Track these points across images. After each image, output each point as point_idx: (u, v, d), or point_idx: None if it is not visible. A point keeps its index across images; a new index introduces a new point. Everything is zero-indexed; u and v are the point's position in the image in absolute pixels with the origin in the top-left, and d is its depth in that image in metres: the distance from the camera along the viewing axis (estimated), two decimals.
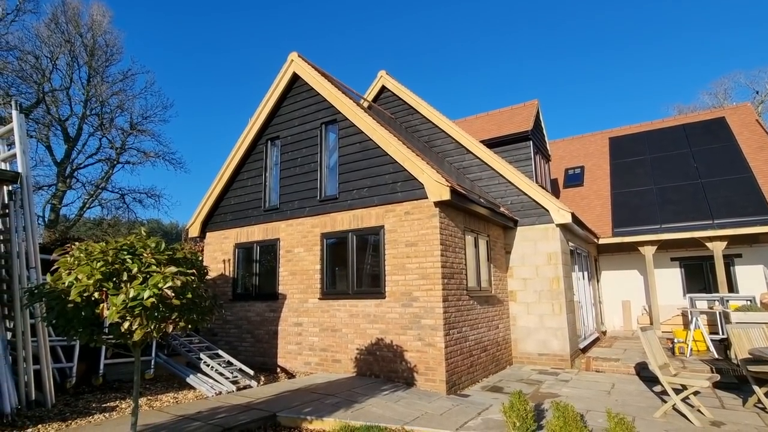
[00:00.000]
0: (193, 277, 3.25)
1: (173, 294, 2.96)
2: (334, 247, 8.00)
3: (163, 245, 3.26)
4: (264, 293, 8.76)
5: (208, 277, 9.34)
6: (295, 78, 8.90)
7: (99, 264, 3.03)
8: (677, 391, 5.46)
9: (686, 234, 11.80)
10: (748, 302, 10.17)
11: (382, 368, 7.00)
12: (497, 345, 8.53)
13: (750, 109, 15.31)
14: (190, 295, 3.12)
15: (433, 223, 6.85)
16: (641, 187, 13.85)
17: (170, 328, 3.03)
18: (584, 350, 9.97)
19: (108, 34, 24.54)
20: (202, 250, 10.04)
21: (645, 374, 7.82)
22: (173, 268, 3.03)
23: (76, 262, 3.12)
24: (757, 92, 32.37)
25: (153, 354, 7.07)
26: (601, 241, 12.84)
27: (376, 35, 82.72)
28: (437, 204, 6.85)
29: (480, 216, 8.22)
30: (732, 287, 12.97)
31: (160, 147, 25.74)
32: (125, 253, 3.09)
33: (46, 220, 21.72)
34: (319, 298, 7.90)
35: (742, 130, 14.18)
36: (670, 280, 13.84)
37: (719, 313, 8.81)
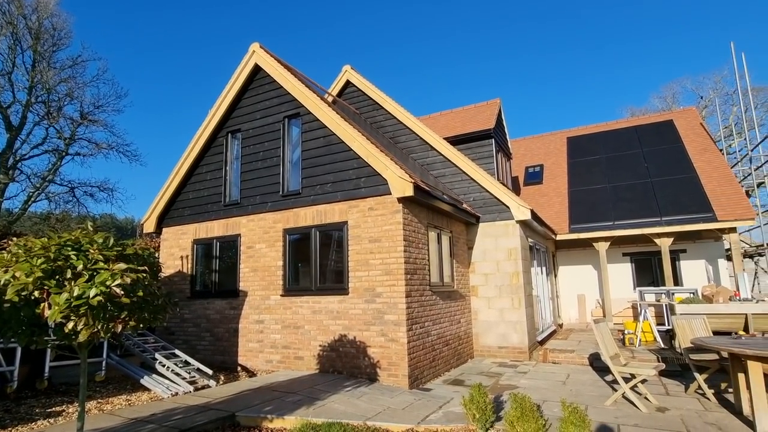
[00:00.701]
0: (144, 274, 3.10)
1: (123, 292, 2.81)
2: (297, 243, 7.88)
3: (112, 241, 3.09)
4: (224, 290, 8.52)
5: (164, 274, 9.01)
6: (257, 69, 8.67)
7: (39, 261, 2.83)
8: (627, 380, 5.74)
9: (637, 230, 12.41)
10: (691, 294, 10.84)
11: (345, 364, 6.97)
12: (459, 339, 8.68)
13: (695, 113, 16.26)
14: (141, 293, 2.98)
15: (396, 219, 6.86)
16: (597, 185, 14.44)
17: (119, 328, 2.88)
18: (542, 342, 10.31)
19: (55, 17, 23.06)
20: (158, 247, 9.65)
21: (598, 364, 8.18)
22: (122, 265, 2.87)
23: (14, 258, 2.91)
24: (701, 97, 34.43)
25: (104, 355, 6.73)
26: (559, 237, 13.30)
27: (341, 31, 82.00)
28: (401, 200, 6.87)
29: (443, 212, 8.32)
30: (677, 281, 13.77)
31: (113, 138, 24.51)
32: (69, 249, 2.91)
33: None
34: (282, 295, 7.76)
35: (688, 132, 15.04)
36: (621, 274, 14.53)
37: (665, 305, 9.33)
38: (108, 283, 2.78)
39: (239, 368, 7.99)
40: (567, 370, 8.01)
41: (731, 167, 16.09)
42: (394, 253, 6.81)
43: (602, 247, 13.04)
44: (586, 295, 14.96)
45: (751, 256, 15.62)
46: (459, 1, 73.04)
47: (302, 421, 4.76)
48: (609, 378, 7.10)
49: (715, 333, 7.81)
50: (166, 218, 9.54)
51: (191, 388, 6.02)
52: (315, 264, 7.55)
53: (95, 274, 2.83)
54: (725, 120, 35.05)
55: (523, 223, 9.67)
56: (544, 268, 12.67)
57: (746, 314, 7.46)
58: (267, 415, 4.86)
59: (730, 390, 5.61)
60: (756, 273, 15.65)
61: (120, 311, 2.86)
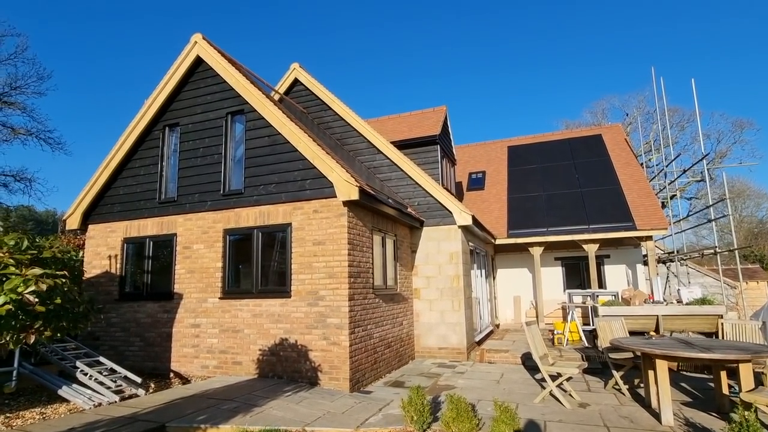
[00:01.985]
0: (64, 280, 2.86)
1: (37, 300, 2.58)
2: (238, 244, 7.63)
3: (26, 243, 2.83)
4: (157, 293, 8.07)
5: (90, 275, 8.39)
6: (199, 62, 8.30)
7: None
8: (554, 378, 6.12)
9: (567, 237, 13.25)
10: (613, 297, 11.74)
11: (286, 369, 6.85)
12: (401, 341, 8.82)
13: (620, 129, 17.65)
14: (59, 300, 2.75)
15: (341, 222, 6.85)
16: (533, 192, 15.24)
17: (32, 339, 2.64)
18: (479, 343, 10.72)
19: None
20: (83, 245, 8.94)
21: (529, 363, 8.64)
22: (38, 270, 2.64)
23: None
24: (627, 114, 37.39)
25: (15, 363, 6.12)
26: (498, 242, 13.89)
27: (291, 26, 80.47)
28: (346, 203, 6.86)
29: (388, 216, 8.41)
30: (602, 283, 14.86)
31: (32, 123, 22.39)
32: None
33: None
34: (220, 298, 7.48)
35: (614, 147, 16.29)
36: (553, 277, 15.44)
37: (590, 307, 10.04)
38: (20, 290, 2.54)
39: (172, 375, 7.60)
40: (501, 369, 8.39)
41: (650, 180, 17.65)
42: (338, 256, 6.79)
43: (537, 251, 13.79)
44: (521, 296, 15.74)
45: (664, 262, 17.19)
46: (418, 20, 74.23)
47: (238, 430, 4.63)
48: (539, 376, 7.52)
49: (632, 333, 8.53)
50: (93, 214, 8.87)
51: (117, 398, 5.63)
52: (257, 266, 7.35)
53: (5, 279, 2.58)
54: (646, 136, 38.38)
55: (465, 228, 10.00)
56: (483, 271, 13.17)
57: (657, 316, 8.20)
58: (200, 425, 4.67)
59: (642, 385, 6.15)
60: (668, 277, 17.25)
61: (33, 320, 2.62)
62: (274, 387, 6.31)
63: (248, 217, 7.52)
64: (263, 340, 7.07)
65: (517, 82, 74.83)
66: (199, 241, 7.84)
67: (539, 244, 13.70)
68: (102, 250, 8.63)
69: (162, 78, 8.41)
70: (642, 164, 37.21)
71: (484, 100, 78.23)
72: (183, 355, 7.63)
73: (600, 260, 14.90)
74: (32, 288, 2.58)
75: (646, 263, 16.30)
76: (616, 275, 14.80)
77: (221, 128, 8.00)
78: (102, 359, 6.63)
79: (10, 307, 2.48)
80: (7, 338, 2.53)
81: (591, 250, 13.10)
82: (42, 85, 26.83)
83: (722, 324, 6.39)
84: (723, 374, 5.17)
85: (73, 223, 8.78)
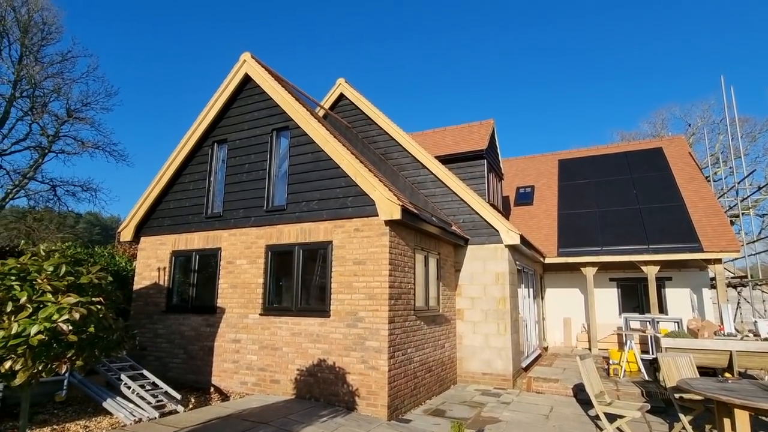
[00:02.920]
0: (99, 306, 2.82)
1: (71, 329, 2.54)
2: (279, 260, 7.60)
3: (64, 269, 2.81)
4: (201, 306, 8.19)
5: (139, 286, 8.65)
6: (247, 79, 8.45)
7: None
8: (611, 419, 5.55)
9: (624, 257, 12.36)
10: (676, 324, 10.78)
11: (323, 391, 6.68)
12: (442, 365, 8.44)
13: (683, 141, 16.41)
14: (92, 329, 2.70)
15: (382, 242, 6.64)
16: (586, 209, 14.41)
17: (63, 368, 2.60)
18: (526, 368, 10.11)
19: (46, 11, 22.66)
20: (135, 256, 9.28)
21: (582, 396, 7.98)
22: (71, 299, 2.60)
23: None
24: (689, 125, 35.03)
25: (67, 373, 6.34)
26: (547, 261, 13.20)
27: (340, 45, 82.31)
28: (388, 222, 6.65)
29: (431, 234, 8.12)
30: (662, 308, 13.73)
31: (100, 137, 24.01)
32: (13, 278, 2.62)
33: None
34: (260, 314, 7.46)
35: (677, 161, 15.14)
36: (607, 298, 14.44)
37: (650, 336, 9.21)
38: (54, 318, 2.51)
39: (212, 389, 7.64)
40: (551, 401, 7.80)
41: (718, 196, 16.22)
42: (378, 276, 6.57)
43: (590, 271, 12.97)
44: (572, 318, 14.84)
45: (734, 286, 15.68)
46: (466, 32, 73.87)
47: None
48: (593, 413, 6.89)
49: (700, 368, 7.70)
50: (144, 227, 9.20)
51: (157, 413, 5.67)
52: (297, 283, 7.28)
53: (41, 307, 2.55)
54: (711, 148, 35.73)
55: (512, 247, 9.51)
56: (531, 291, 12.52)
57: (731, 351, 7.35)
58: None
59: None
60: (738, 303, 15.71)
61: (66, 349, 2.58)
62: (310, 410, 6.14)
63: (290, 233, 7.48)
64: (301, 359, 6.96)
65: (571, 94, 72.31)
66: (242, 256, 7.89)
67: (592, 264, 12.88)
68: (152, 262, 8.91)
69: (212, 95, 8.64)
70: (707, 177, 34.89)
71: (536, 113, 76.18)
72: (223, 370, 7.66)
73: (660, 283, 13.78)
74: (66, 316, 2.54)
75: (713, 287, 14.94)
76: (678, 300, 13.62)
77: (266, 144, 8.07)
78: (145, 372, 6.75)
79: (42, 336, 2.44)
80: (39, 368, 2.49)
81: (651, 272, 12.14)
82: (109, 101, 28.78)
83: None
84: None
85: (126, 235, 9.14)
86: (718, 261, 11.62)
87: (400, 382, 6.66)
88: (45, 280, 2.67)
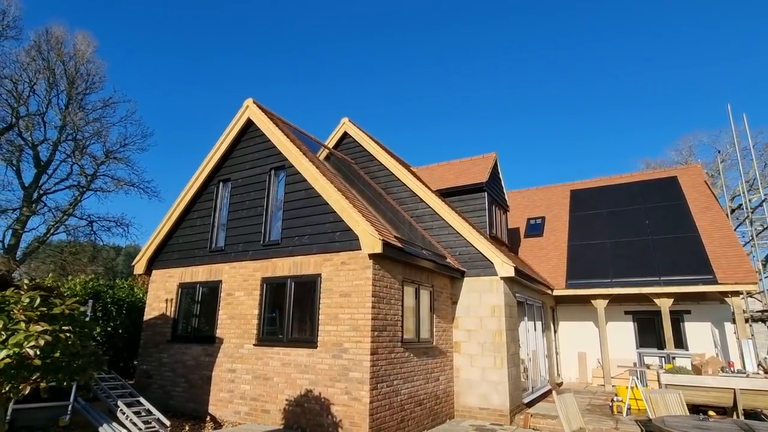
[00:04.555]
0: (68, 334, 3.22)
1: (37, 353, 2.92)
2: (273, 292, 7.96)
3: (38, 301, 3.24)
4: (202, 336, 8.59)
5: (149, 317, 9.16)
6: (250, 123, 9.12)
7: None
8: None
9: (635, 289, 12.07)
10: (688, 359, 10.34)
11: (309, 421, 6.84)
12: (436, 398, 8.43)
13: (700, 170, 16.06)
14: (58, 354, 3.08)
15: (366, 274, 6.90)
16: (596, 240, 14.21)
17: (27, 389, 2.97)
18: (530, 404, 9.88)
19: (90, 64, 24.85)
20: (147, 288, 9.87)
21: None
22: (39, 327, 3.01)
23: None
24: (719, 151, 33.94)
25: (71, 399, 6.79)
26: (555, 293, 13.02)
27: (352, 84, 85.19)
28: (371, 256, 6.93)
29: (423, 267, 8.31)
30: (682, 343, 13.16)
31: (134, 175, 25.62)
32: None
33: (6, 244, 21.14)
34: (254, 345, 7.77)
35: (692, 190, 14.81)
36: (624, 333, 13.97)
37: (657, 372, 8.89)
38: (23, 344, 2.91)
39: (208, 418, 7.91)
40: None
41: (751, 224, 15.59)
42: (362, 308, 6.80)
43: (600, 304, 12.67)
44: (587, 353, 14.37)
45: (764, 321, 14.85)
46: (488, 60, 75.40)
47: None
48: None
49: (704, 406, 7.40)
50: (156, 261, 9.81)
51: None
52: (288, 315, 7.59)
53: (13, 334, 2.96)
54: (746, 174, 34.40)
55: (509, 279, 9.53)
56: (539, 324, 12.33)
57: (734, 389, 7.05)
58: None
59: None
60: None
61: (31, 373, 2.96)
62: None
63: (283, 266, 7.86)
64: (290, 389, 7.17)
65: (593, 122, 71.66)
66: (240, 288, 8.30)
67: (603, 296, 12.60)
68: (161, 294, 9.45)
69: (218, 137, 9.34)
70: (740, 205, 33.39)
71: (562, 142, 75.61)
72: (219, 399, 7.95)
73: (679, 316, 13.28)
74: (33, 343, 2.93)
75: (735, 321, 14.24)
76: (699, 334, 13.04)
77: (265, 183, 8.61)
78: (141, 399, 7.12)
79: (9, 360, 2.83)
80: (7, 388, 2.87)
81: (664, 305, 11.77)
82: (145, 142, 30.75)
83: None
84: None
85: (139, 268, 9.78)
86: (736, 293, 11.18)
87: (384, 414, 6.74)
88: (20, 310, 3.10)
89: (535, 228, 16.06)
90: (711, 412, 6.79)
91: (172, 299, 9.22)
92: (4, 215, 21.40)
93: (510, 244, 15.08)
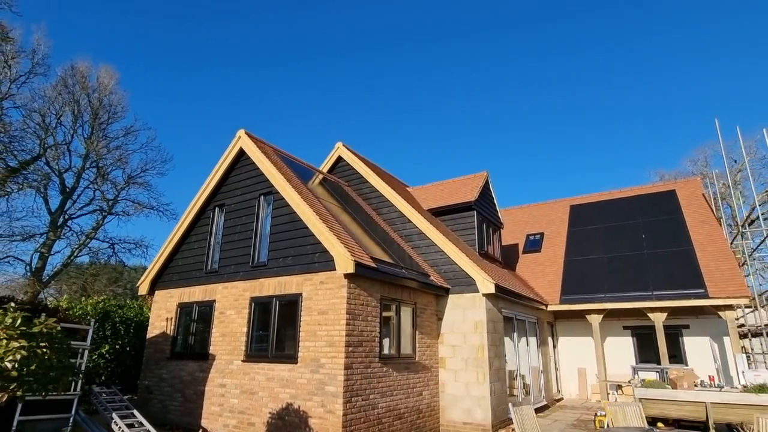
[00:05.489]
0: (44, 350, 3.77)
1: (12, 367, 3.48)
2: (260, 311, 8.47)
3: (19, 321, 3.82)
4: (197, 353, 9.14)
5: (151, 335, 9.79)
6: (242, 152, 9.79)
7: None
8: None
9: (628, 304, 12.12)
10: (683, 372, 10.32)
11: None
12: (418, 413, 8.70)
13: (698, 183, 16.01)
14: (33, 367, 3.64)
15: (341, 293, 7.35)
16: (592, 255, 14.30)
17: (5, 398, 3.52)
18: None
19: (113, 95, 26.47)
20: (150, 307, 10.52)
21: None
22: (16, 344, 3.57)
23: None
24: (735, 161, 33.23)
25: (73, 411, 7.38)
26: (550, 308, 13.14)
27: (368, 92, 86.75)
28: (346, 276, 7.38)
29: (404, 285, 8.70)
30: (681, 358, 13.03)
31: (153, 198, 26.89)
32: None
33: (33, 267, 22.44)
34: (243, 360, 8.26)
35: (689, 203, 14.78)
36: (623, 348, 13.91)
37: (632, 387, 8.96)
38: (2, 358, 3.46)
39: (201, 431, 8.39)
40: None
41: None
42: (337, 325, 7.23)
43: (595, 319, 12.73)
44: (587, 368, 14.32)
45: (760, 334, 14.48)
46: (484, 74, 76.06)
47: None
48: None
49: (679, 421, 7.49)
50: (158, 282, 10.49)
51: None
52: (273, 332, 8.07)
53: None
54: (765, 184, 33.59)
55: (493, 296, 9.80)
56: (533, 340, 12.46)
57: (705, 403, 7.13)
58: None
59: None
60: None
61: (9, 383, 3.51)
62: None
63: (269, 286, 8.38)
64: (273, 403, 7.60)
65: (609, 133, 70.88)
66: (231, 307, 8.85)
67: (597, 311, 12.67)
68: (162, 313, 10.09)
69: (214, 166, 10.04)
70: (758, 216, 32.51)
71: (573, 155, 74.95)
72: (211, 413, 8.43)
73: (677, 331, 13.20)
74: (10, 357, 3.49)
75: (739, 335, 14.01)
76: (698, 349, 12.90)
77: (254, 207, 9.21)
78: (135, 413, 7.66)
79: None
80: None
81: (658, 319, 11.78)
82: (164, 167, 32.24)
83: (758, 419, 5.45)
84: None
85: (143, 289, 10.47)
86: (729, 307, 11.13)
87: (360, 427, 7.09)
88: (3, 329, 3.68)
89: (534, 244, 16.22)
90: (660, 425, 6.89)
91: (171, 318, 9.84)
92: (32, 240, 22.81)
93: (506, 260, 15.30)
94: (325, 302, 7.51)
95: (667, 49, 57.95)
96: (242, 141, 9.69)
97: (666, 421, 7.94)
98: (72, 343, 7.57)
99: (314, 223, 7.83)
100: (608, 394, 9.37)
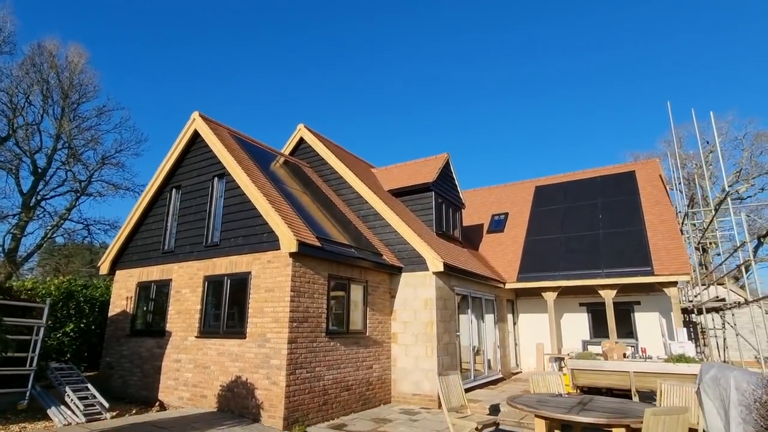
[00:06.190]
0: None
1: None
2: (213, 289, 8.74)
3: None
4: (154, 330, 9.42)
5: (112, 314, 10.03)
6: (197, 134, 9.89)
7: None
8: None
9: (579, 282, 12.62)
10: (632, 348, 10.92)
11: (237, 404, 7.62)
12: (368, 384, 9.14)
13: (656, 164, 16.45)
14: None
15: (286, 271, 7.64)
16: (551, 235, 14.75)
17: None
18: (468, 391, 10.52)
19: (83, 74, 25.94)
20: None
21: (493, 414, 8.42)
22: None
23: None
24: (708, 142, 33.92)
25: (29, 386, 7.66)
26: (508, 286, 13.62)
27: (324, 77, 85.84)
28: (292, 255, 7.66)
29: (353, 264, 9.01)
30: (632, 333, 13.67)
31: (127, 180, 26.72)
32: None
33: (6, 249, 22.34)
34: (197, 336, 8.57)
35: (646, 184, 15.24)
36: (578, 323, 14.52)
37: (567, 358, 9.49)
38: None
39: (157, 403, 8.74)
40: (469, 421, 8.27)
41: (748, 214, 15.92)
42: (282, 302, 7.54)
43: (550, 296, 13.24)
44: (544, 344, 14.91)
45: (716, 310, 15.21)
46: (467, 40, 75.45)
47: None
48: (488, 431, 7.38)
49: (610, 389, 8.02)
50: (119, 262, 10.68)
51: (84, 419, 6.82)
52: (224, 309, 8.36)
53: None
54: (736, 165, 34.42)
55: (444, 274, 10.19)
56: (490, 317, 12.95)
57: (629, 372, 7.65)
58: None
59: None
60: (724, 326, 15.15)
61: None
62: (215, 421, 7.09)
63: (222, 265, 8.64)
64: (224, 376, 7.95)
65: (587, 113, 71.32)
66: (186, 286, 9.11)
67: (552, 288, 13.17)
68: (123, 293, 10.31)
69: (170, 147, 10.14)
70: (726, 195, 33.39)
71: (555, 136, 75.44)
72: (167, 387, 8.77)
73: (629, 307, 13.81)
74: None
75: (685, 311, 14.72)
76: (648, 324, 13.54)
77: (208, 189, 9.38)
78: (89, 386, 7.97)
79: None
80: None
81: (608, 296, 12.31)
82: (139, 147, 31.88)
83: (660, 384, 5.93)
84: None
85: (103, 269, 10.65)
86: (674, 284, 11.68)
87: (303, 397, 7.48)
88: None
89: (498, 224, 16.63)
90: (568, 390, 7.39)
91: (131, 297, 10.08)
92: (4, 221, 22.64)
93: (470, 240, 15.71)
94: (271, 280, 7.79)
95: (646, 20, 58.05)
96: (196, 123, 9.78)
97: (599, 391, 8.49)
98: (27, 321, 7.82)
99: (262, 204, 8.05)
100: (551, 366, 9.88)
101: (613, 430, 4.50)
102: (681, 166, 34.58)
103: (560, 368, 9.88)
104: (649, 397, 7.90)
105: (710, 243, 21.33)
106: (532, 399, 5.47)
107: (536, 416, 4.91)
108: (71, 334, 11.16)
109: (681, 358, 7.40)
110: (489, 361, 12.47)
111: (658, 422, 3.55)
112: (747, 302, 11.19)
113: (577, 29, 67.34)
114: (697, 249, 23.91)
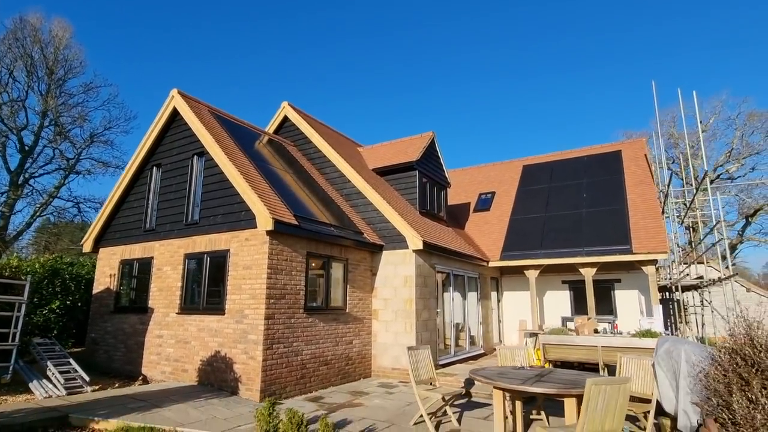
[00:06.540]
0: None
1: None
2: (194, 266, 8.85)
3: None
4: (137, 307, 9.57)
5: (96, 291, 10.14)
6: (177, 112, 9.82)
7: None
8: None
9: (560, 260, 12.81)
10: (609, 324, 11.18)
11: (217, 378, 7.82)
12: (348, 359, 9.37)
13: (642, 144, 16.48)
14: None
15: (263, 249, 7.73)
16: (535, 214, 14.88)
17: None
18: (446, 366, 10.82)
19: (68, 49, 25.44)
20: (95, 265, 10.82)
21: (468, 387, 8.68)
22: None
23: None
24: (701, 122, 33.84)
25: (12, 360, 7.80)
26: (491, 264, 13.81)
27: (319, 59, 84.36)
28: (269, 233, 7.74)
29: (333, 242, 9.12)
30: (612, 310, 13.97)
31: (116, 158, 26.54)
32: None
33: None
34: (177, 313, 8.72)
35: (631, 164, 15.31)
36: (561, 301, 14.79)
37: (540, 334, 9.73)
38: None
39: (141, 377, 8.95)
40: (435, 392, 8.54)
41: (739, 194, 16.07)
42: (259, 279, 7.66)
43: (532, 274, 13.45)
44: (527, 321, 15.23)
45: (695, 288, 15.52)
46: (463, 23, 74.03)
47: (121, 424, 5.65)
48: (459, 402, 7.64)
49: (581, 363, 8.27)
50: (102, 240, 10.75)
51: (65, 392, 7.01)
52: (204, 286, 8.49)
53: None
54: (728, 145, 34.41)
55: (424, 252, 10.32)
56: (472, 294, 13.17)
57: (598, 347, 7.88)
58: (95, 418, 5.77)
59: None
60: (702, 303, 15.50)
61: None
62: (193, 393, 7.29)
63: (201, 243, 8.72)
64: (204, 351, 8.14)
65: (580, 92, 70.66)
66: (167, 263, 9.21)
67: (534, 267, 13.37)
68: (106, 270, 10.42)
69: (150, 125, 10.08)
70: (718, 175, 33.51)
71: (548, 115, 74.88)
72: (150, 361, 8.97)
73: (609, 285, 14.05)
74: None
75: (664, 288, 15.00)
76: (628, 301, 13.81)
77: (188, 167, 9.38)
78: (71, 361, 8.13)
79: None
80: None
81: (588, 274, 12.52)
82: (128, 125, 31.56)
83: (620, 357, 6.14)
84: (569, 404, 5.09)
85: (86, 247, 10.73)
86: (652, 262, 11.88)
87: (281, 371, 7.69)
88: None
89: (484, 203, 16.73)
90: (539, 363, 7.64)
91: (114, 275, 10.18)
92: None
93: (456, 219, 15.83)
94: (249, 258, 7.90)
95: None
96: (175, 100, 9.70)
97: (571, 365, 8.75)
98: (7, 297, 7.91)
99: (239, 182, 8.08)
100: (524, 341, 10.14)
101: (565, 399, 4.70)
102: (674, 146, 34.69)
103: (534, 344, 10.14)
104: (616, 370, 8.14)
105: (695, 222, 21.56)
106: (494, 372, 5.67)
107: (494, 387, 5.10)
108: (57, 311, 11.28)
109: (647, 333, 7.62)
110: (472, 337, 12.77)
111: (599, 391, 3.71)
112: (720, 280, 11.41)
113: (582, 10, 66.13)
114: (688, 229, 24.17)
